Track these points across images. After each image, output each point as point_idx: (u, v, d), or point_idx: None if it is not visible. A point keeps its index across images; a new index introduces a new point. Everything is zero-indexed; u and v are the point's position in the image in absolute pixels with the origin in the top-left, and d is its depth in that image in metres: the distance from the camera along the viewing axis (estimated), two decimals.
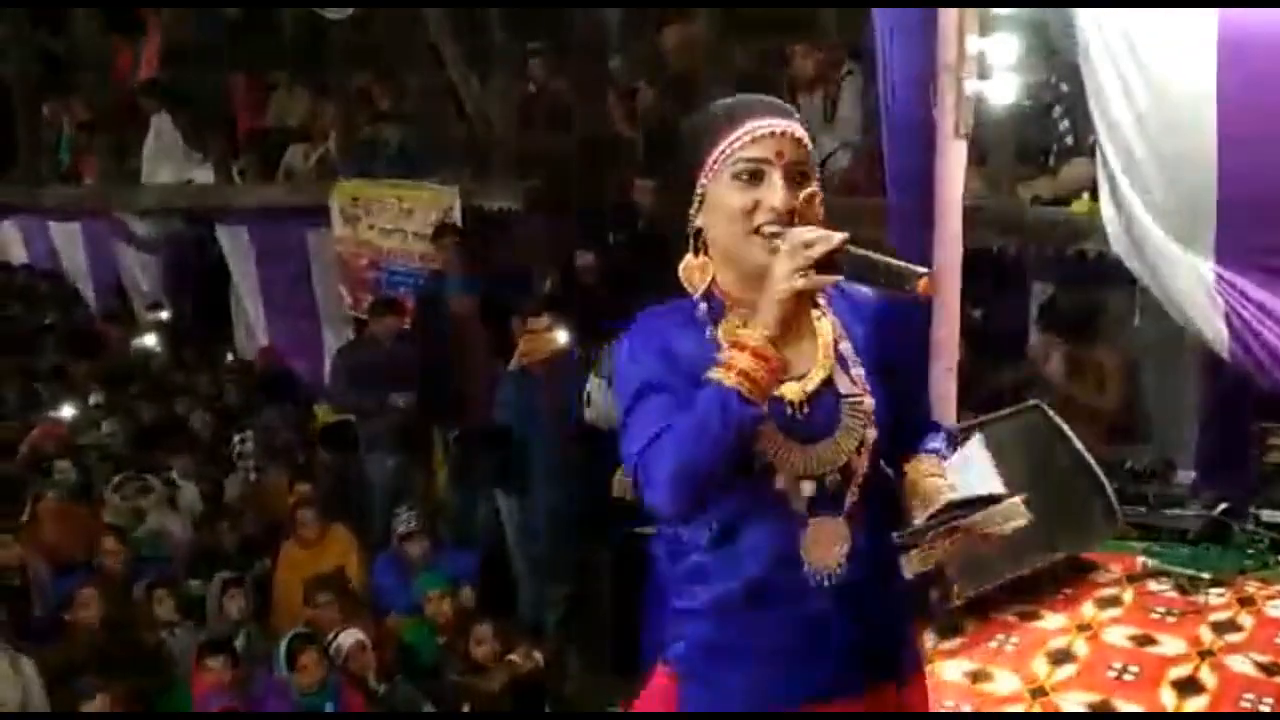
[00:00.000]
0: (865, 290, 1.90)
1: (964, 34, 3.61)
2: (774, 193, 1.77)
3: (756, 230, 1.78)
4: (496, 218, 7.41)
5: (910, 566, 1.83)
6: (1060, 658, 3.06)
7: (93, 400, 8.67)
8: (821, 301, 1.89)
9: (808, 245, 1.69)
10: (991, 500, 1.82)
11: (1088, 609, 3.29)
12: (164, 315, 10.27)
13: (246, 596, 5.61)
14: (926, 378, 2.03)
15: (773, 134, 1.79)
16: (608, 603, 5.45)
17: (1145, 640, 3.09)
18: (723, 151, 1.79)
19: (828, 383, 1.84)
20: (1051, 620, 3.25)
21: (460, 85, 7.62)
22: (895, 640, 1.95)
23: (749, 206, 1.78)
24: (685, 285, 1.87)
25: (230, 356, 9.61)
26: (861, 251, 1.72)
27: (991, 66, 3.70)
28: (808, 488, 1.82)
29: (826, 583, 1.83)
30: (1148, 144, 3.44)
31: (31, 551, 6.05)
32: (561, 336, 5.71)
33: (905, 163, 4.02)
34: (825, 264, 1.69)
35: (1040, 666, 3.03)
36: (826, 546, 1.83)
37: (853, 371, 1.87)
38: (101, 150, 10.38)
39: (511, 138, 7.43)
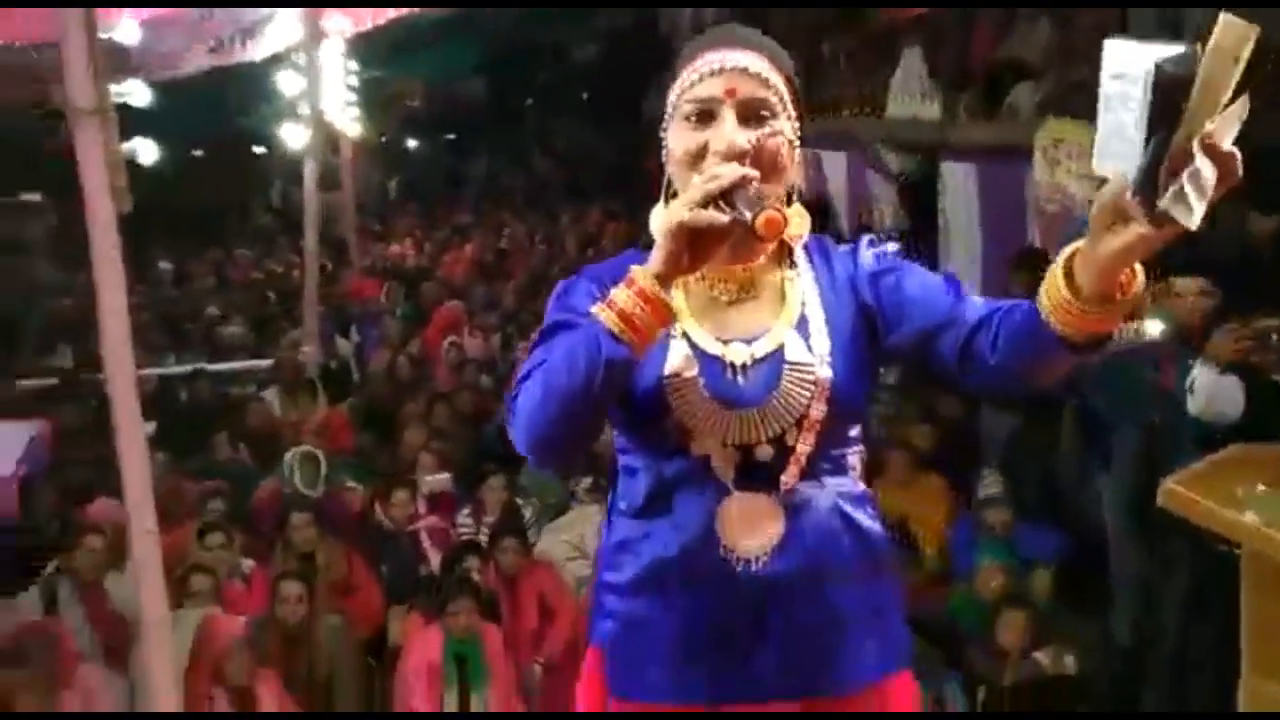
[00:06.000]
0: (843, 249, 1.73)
1: None
2: (720, 134, 1.54)
3: None
4: None
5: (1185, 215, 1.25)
6: None
7: None
8: (800, 260, 1.64)
9: (714, 178, 1.48)
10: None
11: None
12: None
13: None
14: (936, 279, 1.67)
15: (722, 69, 1.59)
16: (1177, 635, 4.52)
17: None
18: (678, 92, 1.63)
19: (780, 348, 1.65)
20: None
21: None
22: (847, 644, 1.67)
23: (696, 150, 1.57)
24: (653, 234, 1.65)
25: None
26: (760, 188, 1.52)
27: None
28: (732, 457, 1.62)
29: (751, 569, 1.58)
30: None
31: None
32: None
33: None
34: (729, 202, 1.45)
35: None
36: (749, 527, 1.61)
37: (813, 339, 1.65)
38: (855, 81, 10.83)
39: None
